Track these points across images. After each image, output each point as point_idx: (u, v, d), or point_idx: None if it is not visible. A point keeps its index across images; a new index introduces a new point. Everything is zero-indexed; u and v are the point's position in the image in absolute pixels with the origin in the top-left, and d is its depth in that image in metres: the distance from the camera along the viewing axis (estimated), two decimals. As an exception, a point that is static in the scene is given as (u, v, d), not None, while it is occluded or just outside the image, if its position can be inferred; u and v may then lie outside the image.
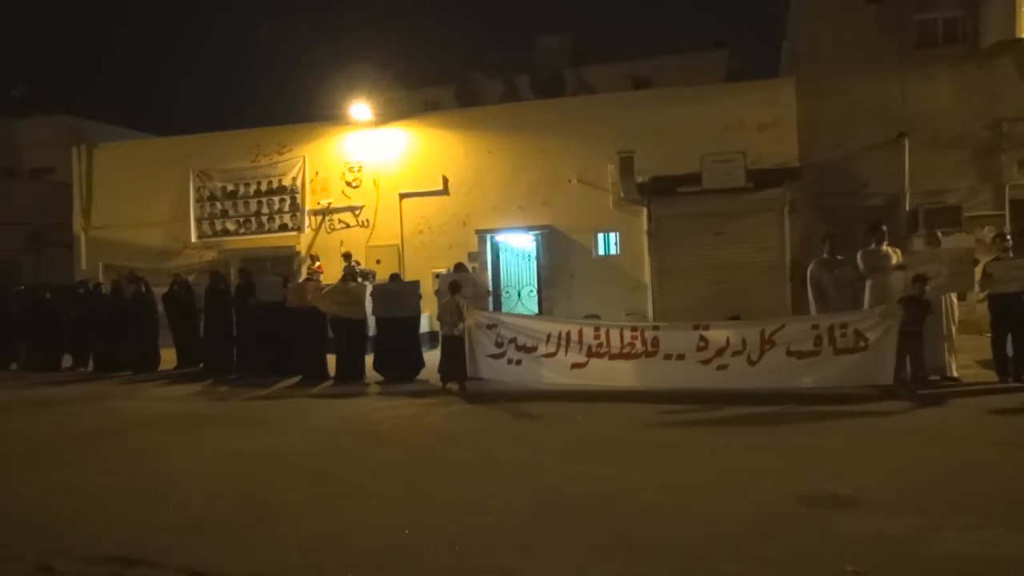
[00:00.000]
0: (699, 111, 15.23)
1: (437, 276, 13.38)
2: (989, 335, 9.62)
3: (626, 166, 14.61)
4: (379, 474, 6.24)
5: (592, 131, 15.68)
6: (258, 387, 11.18)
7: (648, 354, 9.36)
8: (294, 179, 17.67)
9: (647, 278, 15.03)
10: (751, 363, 8.94)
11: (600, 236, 16.03)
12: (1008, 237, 9.82)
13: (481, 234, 16.53)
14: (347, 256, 13.45)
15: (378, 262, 16.48)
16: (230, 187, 18.08)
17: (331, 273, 14.43)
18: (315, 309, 11.44)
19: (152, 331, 13.71)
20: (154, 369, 13.49)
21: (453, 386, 10.23)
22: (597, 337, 9.61)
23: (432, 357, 11.42)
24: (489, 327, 10.19)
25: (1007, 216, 13.80)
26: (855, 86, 14.48)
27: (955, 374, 9.40)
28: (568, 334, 9.74)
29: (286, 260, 17.41)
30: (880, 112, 14.39)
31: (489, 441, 7.36)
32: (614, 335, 9.55)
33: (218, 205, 18.18)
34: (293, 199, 17.70)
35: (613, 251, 15.97)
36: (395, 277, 12.66)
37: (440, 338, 10.89)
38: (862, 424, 7.44)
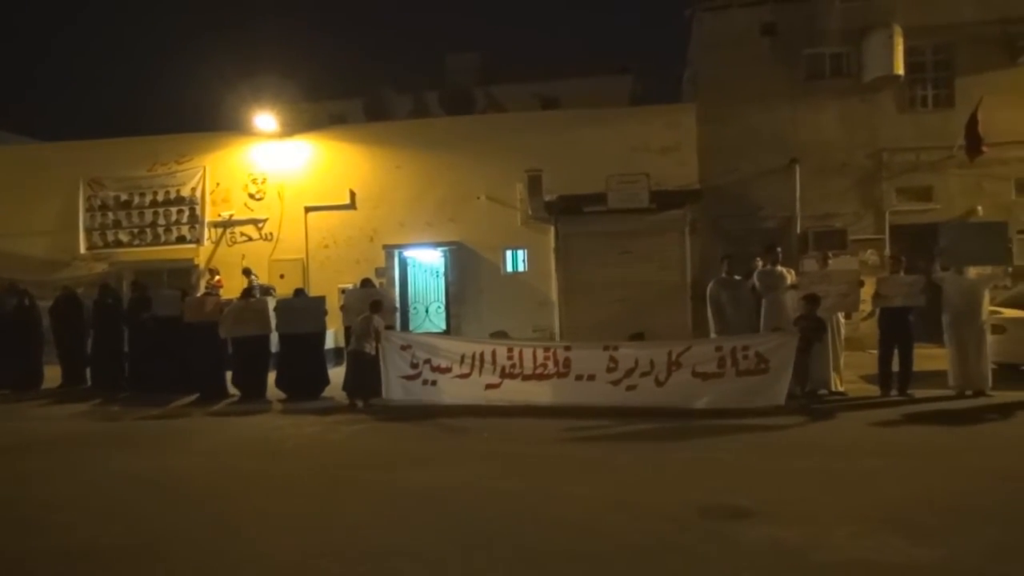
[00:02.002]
0: (605, 133, 15.62)
1: (343, 291, 13.15)
2: (873, 351, 10.20)
3: (534, 184, 14.79)
4: (281, 495, 6.05)
5: (501, 149, 15.83)
6: (152, 406, 10.65)
7: (560, 374, 9.54)
8: (193, 189, 17.05)
9: (554, 295, 15.22)
10: (659, 384, 9.22)
11: (508, 253, 16.15)
12: (903, 258, 10.52)
13: (389, 249, 16.38)
14: (247, 271, 13.03)
15: (282, 276, 16.07)
16: (124, 196, 17.26)
17: (231, 287, 13.94)
18: (214, 324, 11.02)
19: (36, 347, 12.87)
20: (37, 388, 12.65)
21: (359, 403, 10.04)
22: (511, 358, 9.70)
23: (337, 374, 11.19)
24: (403, 348, 10.11)
25: (887, 240, 14.71)
26: (751, 114, 15.18)
27: (841, 388, 9.94)
28: (482, 355, 9.79)
29: (184, 273, 16.73)
30: (774, 139, 15.14)
31: (396, 459, 7.25)
32: (527, 356, 9.67)
33: (110, 215, 17.32)
34: (192, 210, 17.06)
35: (521, 268, 16.11)
36: (299, 292, 12.37)
37: (347, 354, 10.69)
38: (758, 438, 7.74)
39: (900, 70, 14.50)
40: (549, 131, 15.89)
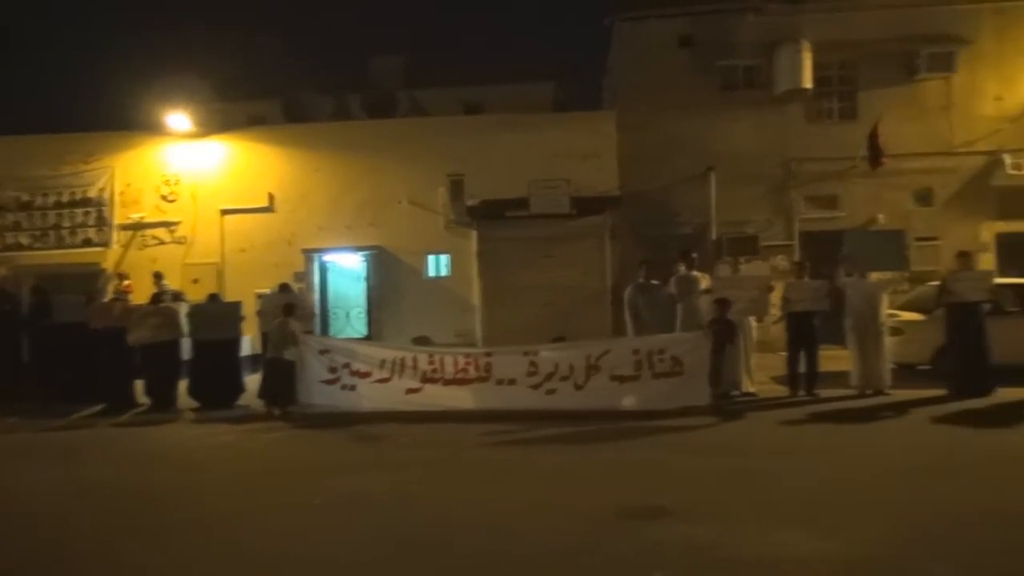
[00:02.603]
0: (528, 138, 15.74)
1: (260, 296, 12.83)
2: (782, 353, 10.60)
3: (456, 189, 14.80)
4: (191, 507, 5.86)
5: (424, 153, 15.76)
6: (54, 416, 10.13)
7: (481, 379, 9.57)
8: (101, 191, 16.35)
9: (477, 300, 15.24)
10: (577, 387, 9.37)
11: (430, 258, 16.09)
12: (807, 264, 10.98)
13: (308, 253, 16.08)
14: (158, 276, 12.58)
15: (195, 281, 15.56)
16: (25, 197, 16.41)
17: (141, 292, 13.41)
18: (121, 331, 10.59)
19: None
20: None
21: (276, 410, 9.81)
22: (431, 363, 9.69)
23: (254, 381, 10.91)
24: (322, 352, 9.97)
25: (796, 246, 15.32)
26: (669, 122, 15.55)
27: (752, 389, 10.29)
28: (402, 360, 9.75)
29: (90, 278, 15.98)
30: (691, 148, 15.54)
31: (316, 468, 7.11)
32: (448, 361, 9.68)
33: (9, 216, 16.44)
34: (100, 212, 16.36)
35: (443, 273, 16.08)
36: (214, 297, 12.01)
37: (264, 360, 10.44)
38: (672, 438, 7.94)
39: (808, 83, 15.12)
40: (472, 136, 15.92)
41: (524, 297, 14.44)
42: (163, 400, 10.63)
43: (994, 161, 15.09)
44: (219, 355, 10.80)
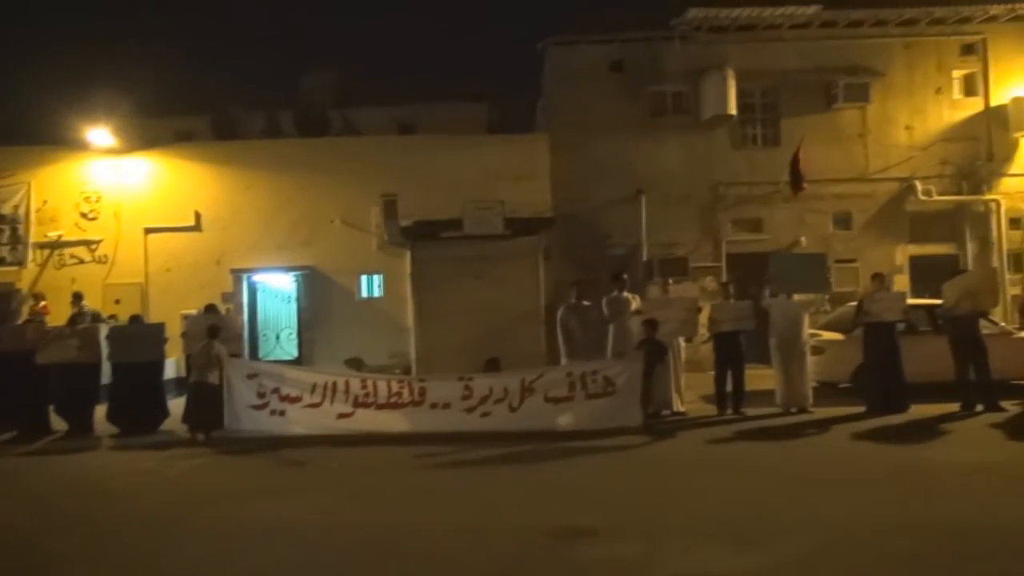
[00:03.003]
0: (462, 159, 15.79)
1: (186, 317, 12.46)
2: (711, 372, 10.84)
3: (390, 209, 14.69)
4: (106, 540, 5.62)
5: (357, 172, 15.63)
6: (-41, 446, 9.62)
7: (415, 403, 9.52)
8: (16, 207, 15.67)
9: (410, 320, 15.11)
10: (512, 409, 9.41)
11: (363, 278, 15.92)
12: (731, 285, 11.29)
13: (237, 273, 15.72)
14: (77, 296, 12.09)
15: (117, 302, 15.02)
16: (-69, 213, 15.61)
17: (59, 314, 12.87)
18: (35, 354, 10.12)
19: None
20: None
21: (200, 436, 9.51)
22: (364, 387, 9.57)
23: (179, 405, 10.56)
24: (250, 377, 9.73)
25: (724, 267, 15.73)
26: (601, 145, 15.85)
27: (682, 409, 10.49)
28: (334, 384, 9.60)
29: (3, 298, 15.25)
30: (622, 170, 15.86)
31: (240, 495, 6.92)
32: (381, 386, 9.58)
33: (-85, 233, 15.60)
34: (14, 230, 15.67)
35: (376, 293, 15.92)
36: (136, 319, 11.60)
37: (188, 384, 10.13)
38: (603, 458, 8.01)
39: (733, 110, 15.63)
40: (406, 156, 15.88)
41: (458, 318, 14.35)
42: (79, 426, 10.19)
43: (907, 187, 15.86)
44: (141, 378, 10.39)
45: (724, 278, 14.59)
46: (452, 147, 16.02)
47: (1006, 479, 6.63)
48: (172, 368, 12.55)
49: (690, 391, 11.27)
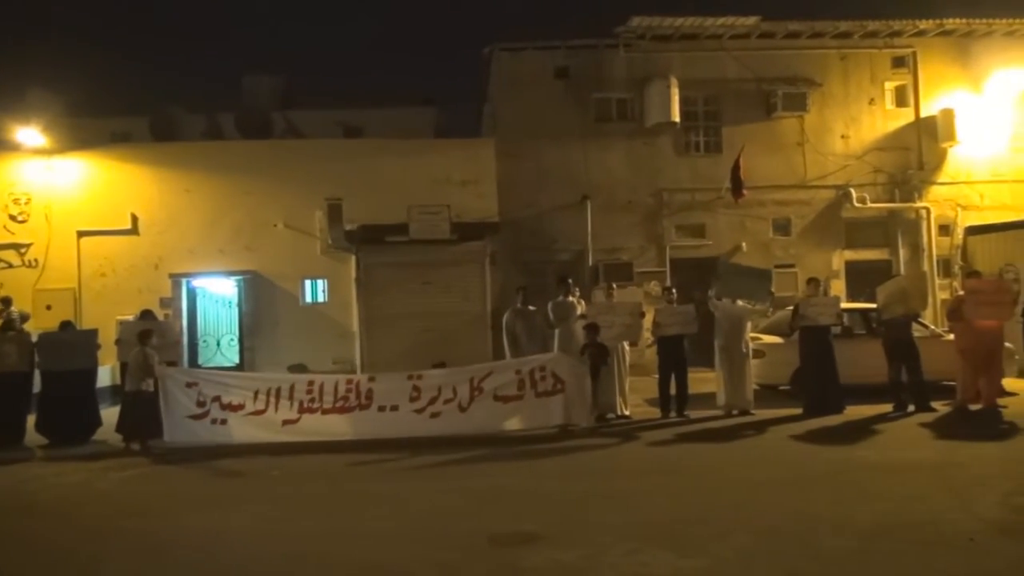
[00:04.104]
0: (408, 163, 15.68)
1: (121, 324, 12.06)
2: (655, 376, 10.95)
3: (334, 213, 14.53)
4: (31, 556, 5.40)
5: (301, 176, 15.40)
6: None
7: (362, 406, 9.33)
8: (-61, 210, 14.99)
9: (355, 326, 14.95)
10: (462, 409, 9.32)
11: (307, 283, 15.68)
12: (674, 290, 11.44)
13: (176, 278, 15.30)
14: (5, 301, 11.60)
15: (48, 308, 14.48)
16: None
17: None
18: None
19: None
20: None
21: (136, 446, 9.22)
22: (310, 392, 9.34)
23: (113, 415, 10.23)
24: (189, 385, 9.36)
25: (668, 272, 15.96)
26: (546, 151, 15.93)
27: (627, 412, 10.59)
28: (278, 390, 9.34)
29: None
30: (568, 176, 15.97)
31: (175, 506, 6.74)
32: (328, 388, 9.37)
33: None
34: (-63, 233, 14.98)
35: (321, 298, 15.69)
36: (67, 325, 11.16)
37: (124, 392, 9.81)
38: (546, 463, 8.04)
39: (676, 118, 15.87)
40: (351, 159, 15.70)
41: (404, 323, 14.28)
42: (7, 436, 9.76)
43: (843, 195, 16.32)
44: (72, 387, 10.03)
45: (668, 283, 14.78)
46: (398, 151, 15.90)
47: (936, 477, 6.84)
48: (107, 376, 12.14)
49: (635, 395, 11.39)
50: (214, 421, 9.27)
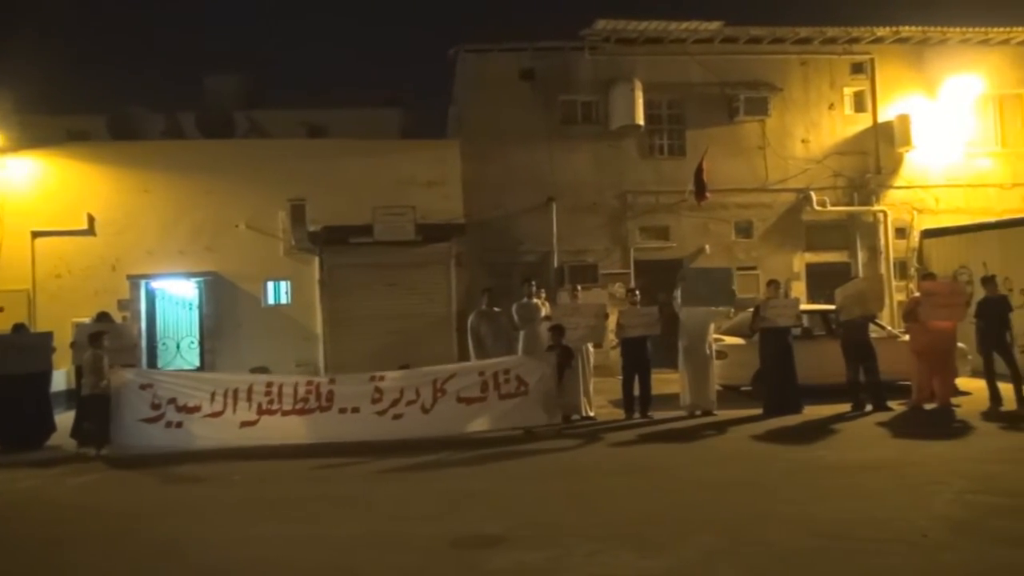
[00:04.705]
0: (373, 164, 15.58)
1: (77, 326, 11.80)
2: (620, 377, 11.01)
3: (297, 214, 14.38)
4: (-19, 564, 5.25)
5: (264, 176, 15.20)
6: None
7: (323, 408, 9.20)
8: None
9: (319, 328, 14.81)
10: (425, 411, 9.25)
11: (270, 284, 15.47)
12: (637, 292, 11.51)
13: (134, 280, 14.99)
14: (-45, 304, 11.32)
15: (1, 310, 14.11)
16: None
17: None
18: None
19: None
20: None
21: (91, 451, 9.01)
22: (268, 393, 9.18)
23: (68, 419, 10.00)
24: (143, 387, 9.14)
25: (632, 274, 16.07)
26: (512, 153, 15.94)
27: (591, 413, 10.64)
28: (236, 391, 9.16)
29: None
30: (533, 178, 15.99)
31: (132, 513, 6.59)
32: (287, 390, 9.22)
33: None
34: None
35: (283, 300, 15.50)
36: (19, 328, 10.90)
37: (79, 396, 9.59)
38: (511, 465, 8.04)
39: (640, 120, 15.99)
40: (315, 160, 15.54)
41: (368, 325, 14.20)
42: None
43: (803, 198, 16.58)
44: (25, 391, 9.80)
45: (632, 284, 14.88)
46: (362, 152, 15.79)
47: (892, 475, 6.99)
48: (62, 380, 11.87)
49: (599, 396, 11.43)
50: (169, 424, 9.07)
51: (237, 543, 5.49)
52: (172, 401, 9.09)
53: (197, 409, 9.10)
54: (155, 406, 9.06)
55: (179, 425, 9.07)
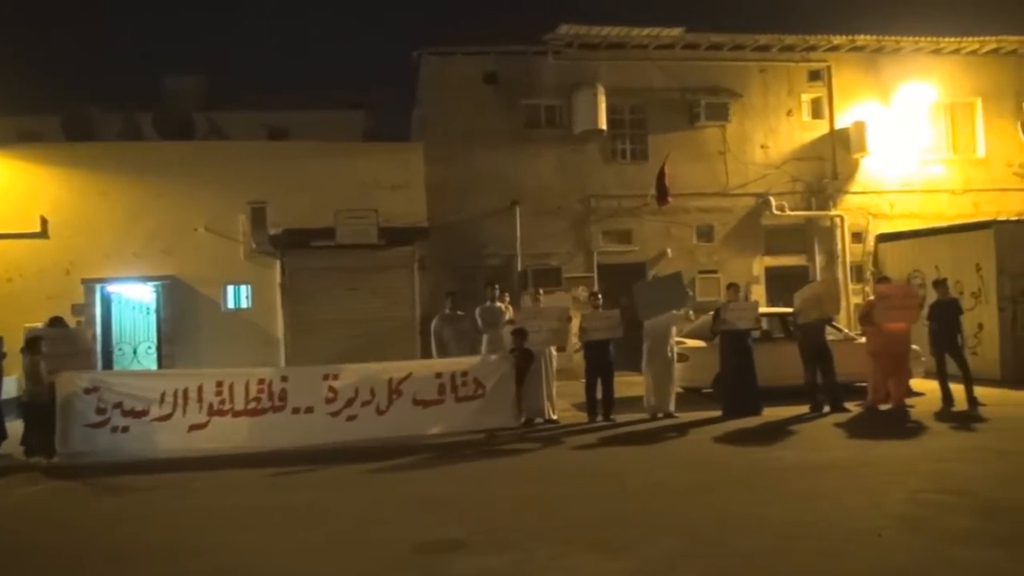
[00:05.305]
0: (336, 167, 15.45)
1: (29, 332, 11.48)
2: (583, 380, 11.05)
3: (258, 217, 14.19)
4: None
5: (223, 178, 14.98)
6: None
7: (276, 408, 9.03)
8: None
9: (280, 332, 14.63)
10: (380, 413, 9.14)
11: (230, 288, 15.25)
12: (599, 295, 11.57)
13: (89, 284, 14.66)
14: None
15: (-52, 315, 13.67)
16: None
17: None
18: None
19: None
20: None
21: (41, 460, 8.76)
22: (219, 392, 8.96)
23: (19, 427, 9.71)
24: (88, 391, 8.85)
25: (595, 277, 16.15)
26: (476, 156, 15.93)
27: (554, 417, 10.66)
28: (186, 391, 8.92)
29: None
30: (497, 181, 15.99)
31: (84, 523, 6.44)
32: (239, 389, 8.99)
33: None
34: None
35: (244, 304, 15.29)
36: (-32, 333, 10.58)
37: (23, 404, 9.33)
38: (472, 469, 8.02)
39: (604, 125, 16.09)
40: (276, 162, 15.35)
41: (330, 329, 14.05)
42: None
43: (763, 202, 16.84)
44: (-27, 399, 9.53)
45: (595, 288, 14.95)
46: (324, 154, 15.66)
47: (848, 475, 7.13)
48: (12, 387, 11.53)
49: (562, 399, 11.47)
50: (115, 429, 8.82)
51: (193, 552, 5.39)
52: (118, 405, 8.83)
53: (144, 413, 8.85)
54: (100, 411, 8.82)
55: (125, 430, 8.81)
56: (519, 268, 15.92)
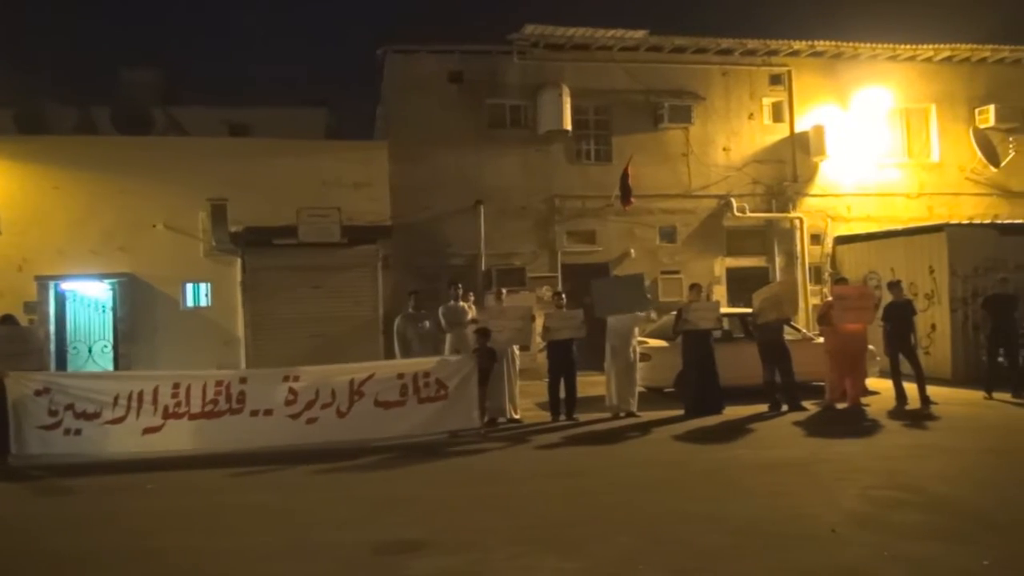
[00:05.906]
0: (298, 164, 15.28)
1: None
2: (547, 380, 11.09)
3: (218, 214, 13.96)
4: None
5: (183, 175, 14.70)
6: None
7: (233, 411, 8.86)
8: None
9: (241, 331, 14.43)
10: (341, 415, 9.02)
11: (189, 286, 15.01)
12: (563, 295, 11.61)
13: (42, 281, 14.30)
14: None
15: None
16: None
17: None
18: None
19: None
20: None
21: (-7, 462, 8.55)
22: (175, 395, 8.77)
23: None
24: (40, 393, 8.62)
25: (559, 277, 16.21)
26: (440, 155, 15.86)
27: (517, 416, 10.68)
28: (140, 394, 8.72)
29: None
30: (461, 181, 15.96)
31: (37, 526, 6.27)
32: (196, 391, 8.82)
33: None
34: None
35: (203, 303, 15.06)
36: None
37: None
38: (433, 469, 8.00)
39: (568, 126, 16.14)
40: (237, 159, 15.14)
41: (292, 328, 13.89)
42: None
43: (724, 204, 17.05)
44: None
45: (559, 288, 15.00)
46: (286, 151, 15.48)
47: (805, 473, 7.26)
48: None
49: (526, 399, 11.49)
50: (68, 431, 8.61)
51: (150, 555, 5.29)
52: (70, 407, 8.62)
53: (96, 416, 8.65)
54: (52, 412, 8.60)
55: (78, 432, 8.62)
56: (483, 268, 15.90)
